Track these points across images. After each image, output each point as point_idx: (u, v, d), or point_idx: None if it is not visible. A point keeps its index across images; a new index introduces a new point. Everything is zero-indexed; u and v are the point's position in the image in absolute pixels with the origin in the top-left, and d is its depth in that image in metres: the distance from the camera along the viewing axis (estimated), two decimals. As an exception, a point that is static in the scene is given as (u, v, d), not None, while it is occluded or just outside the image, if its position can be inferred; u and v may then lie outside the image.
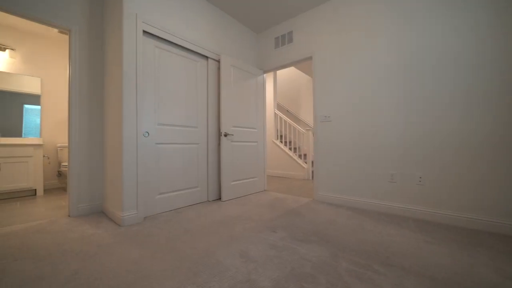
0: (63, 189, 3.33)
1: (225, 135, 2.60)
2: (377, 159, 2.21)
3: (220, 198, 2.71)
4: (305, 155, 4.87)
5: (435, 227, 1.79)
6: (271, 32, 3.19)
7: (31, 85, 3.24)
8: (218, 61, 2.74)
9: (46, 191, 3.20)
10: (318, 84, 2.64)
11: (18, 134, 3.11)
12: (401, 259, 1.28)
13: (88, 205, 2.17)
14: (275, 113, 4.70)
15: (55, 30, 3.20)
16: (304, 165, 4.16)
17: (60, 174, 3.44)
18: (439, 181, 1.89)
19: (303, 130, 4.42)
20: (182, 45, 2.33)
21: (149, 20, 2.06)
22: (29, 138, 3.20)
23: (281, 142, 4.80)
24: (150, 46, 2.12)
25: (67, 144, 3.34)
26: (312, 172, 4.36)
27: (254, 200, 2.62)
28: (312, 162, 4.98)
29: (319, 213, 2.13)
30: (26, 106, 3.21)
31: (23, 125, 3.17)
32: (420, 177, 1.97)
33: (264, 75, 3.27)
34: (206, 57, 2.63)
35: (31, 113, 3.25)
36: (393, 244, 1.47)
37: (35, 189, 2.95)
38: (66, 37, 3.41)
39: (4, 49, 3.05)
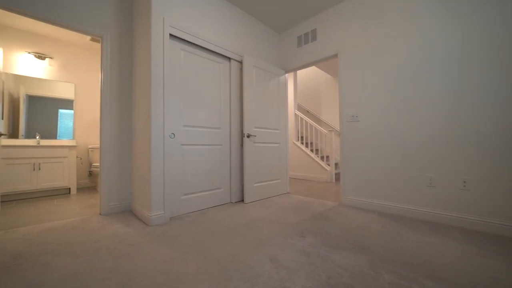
0: (93, 188, 3.52)
1: (248, 136, 2.58)
2: (412, 162, 2.05)
3: (242, 200, 2.68)
4: (327, 156, 4.71)
5: (483, 237, 1.60)
6: (293, 31, 3.12)
7: (65, 91, 3.47)
8: (241, 62, 2.73)
9: (79, 189, 3.39)
10: (344, 82, 2.52)
11: (54, 136, 3.34)
12: (451, 272, 1.15)
13: (118, 204, 2.24)
14: (295, 113, 4.61)
15: (88, 38, 3.40)
16: (327, 167, 4.01)
17: (90, 174, 3.64)
18: (489, 186, 1.69)
19: (325, 131, 4.28)
20: (206, 47, 2.35)
21: (176, 24, 2.09)
22: (64, 140, 3.42)
23: (302, 143, 4.69)
24: (176, 49, 2.16)
25: (97, 146, 3.53)
26: (336, 174, 4.19)
27: (277, 203, 2.56)
28: (336, 164, 4.81)
29: (349, 218, 2.02)
30: (61, 110, 3.44)
31: (58, 128, 3.40)
32: (465, 182, 1.78)
33: (286, 75, 3.20)
34: (229, 58, 2.63)
35: (65, 117, 3.47)
36: (438, 255, 1.33)
37: (69, 188, 3.13)
38: (97, 45, 3.61)
39: (44, 58, 3.30)
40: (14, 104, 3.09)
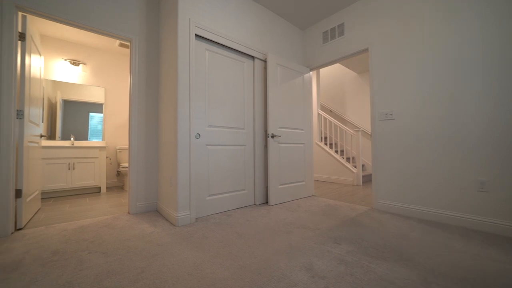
0: (121, 187, 3.66)
1: (272, 137, 2.50)
2: (458, 163, 1.83)
3: (267, 202, 2.61)
4: (352, 158, 4.49)
5: (555, 252, 1.37)
6: (318, 27, 3.00)
7: (96, 95, 3.65)
8: (264, 61, 2.67)
9: (108, 188, 3.55)
10: (376, 78, 2.36)
11: (85, 138, 3.53)
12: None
13: (144, 203, 2.28)
14: (318, 113, 4.44)
15: (116, 44, 3.56)
16: (353, 169, 3.80)
17: (118, 174, 3.79)
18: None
19: (351, 131, 4.07)
20: (230, 46, 2.32)
21: (201, 24, 2.09)
22: (94, 141, 3.60)
23: (326, 144, 4.51)
24: (201, 49, 2.15)
25: (125, 147, 3.67)
26: (363, 177, 3.96)
27: (303, 206, 2.45)
28: (363, 166, 4.56)
29: (385, 225, 1.85)
30: (91, 114, 3.62)
31: (89, 130, 3.59)
32: (526, 187, 1.55)
33: (311, 73, 3.09)
34: (253, 57, 2.58)
35: (95, 120, 3.65)
36: (506, 273, 1.14)
37: (100, 187, 3.28)
38: (126, 50, 3.77)
39: (78, 64, 3.51)
40: (52, 108, 3.31)
